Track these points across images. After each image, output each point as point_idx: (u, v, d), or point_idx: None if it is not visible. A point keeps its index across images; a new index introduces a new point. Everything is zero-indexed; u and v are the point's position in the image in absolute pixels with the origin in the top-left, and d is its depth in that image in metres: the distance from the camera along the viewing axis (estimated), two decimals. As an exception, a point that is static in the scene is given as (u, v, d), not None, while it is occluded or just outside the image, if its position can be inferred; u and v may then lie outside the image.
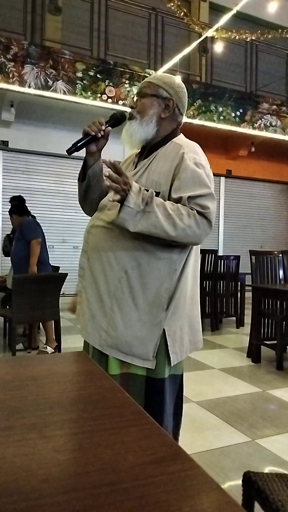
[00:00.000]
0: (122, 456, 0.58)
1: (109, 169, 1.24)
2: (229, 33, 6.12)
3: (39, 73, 5.66)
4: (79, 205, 1.62)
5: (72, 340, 4.18)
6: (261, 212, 8.99)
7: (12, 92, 5.66)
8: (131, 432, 0.66)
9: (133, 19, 7.11)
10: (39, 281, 3.50)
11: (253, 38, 6.41)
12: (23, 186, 6.63)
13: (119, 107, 6.01)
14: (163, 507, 0.47)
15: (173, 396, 1.48)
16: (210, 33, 6.21)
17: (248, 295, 4.68)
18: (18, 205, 4.09)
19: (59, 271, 4.23)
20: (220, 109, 7.05)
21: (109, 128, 1.46)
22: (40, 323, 4.15)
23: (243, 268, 5.66)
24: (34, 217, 4.32)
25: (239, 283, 5.42)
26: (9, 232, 4.80)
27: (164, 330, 1.36)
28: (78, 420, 0.71)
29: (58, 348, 3.73)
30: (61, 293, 3.63)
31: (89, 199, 1.55)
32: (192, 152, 1.40)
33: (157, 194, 1.36)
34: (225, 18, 5.82)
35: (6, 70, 5.49)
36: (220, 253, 8.07)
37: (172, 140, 1.47)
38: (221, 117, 7.06)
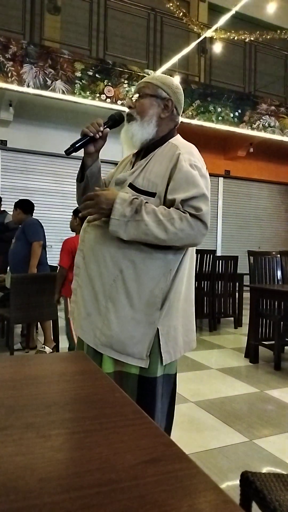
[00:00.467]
0: (120, 455, 0.58)
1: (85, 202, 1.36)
2: (228, 33, 6.13)
3: (38, 72, 5.65)
4: (77, 205, 1.62)
5: (70, 340, 4.17)
6: (259, 213, 9.01)
7: (11, 91, 5.66)
8: (129, 432, 0.66)
9: (132, 19, 7.11)
10: (37, 281, 3.49)
11: (252, 38, 6.42)
12: (22, 185, 6.62)
13: (117, 107, 6.01)
14: (161, 506, 0.47)
15: (167, 395, 1.48)
16: (209, 33, 6.22)
17: (246, 295, 4.69)
18: (26, 202, 4.02)
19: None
20: (219, 109, 7.06)
21: (107, 129, 1.46)
22: (38, 323, 4.14)
23: (241, 269, 5.66)
24: None
25: (237, 284, 5.42)
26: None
27: (157, 329, 1.36)
28: (77, 419, 0.71)
29: (56, 348, 3.73)
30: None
31: None
32: (188, 153, 1.40)
33: (154, 194, 1.36)
34: (224, 19, 5.83)
35: (5, 69, 5.48)
36: (218, 254, 8.09)
37: (169, 140, 1.48)
38: (220, 118, 7.07)
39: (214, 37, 6.22)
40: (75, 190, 1.60)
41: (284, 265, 4.22)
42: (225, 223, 8.59)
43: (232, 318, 5.44)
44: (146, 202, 1.33)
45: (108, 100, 6.11)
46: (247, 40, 6.61)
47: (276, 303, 3.95)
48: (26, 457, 0.57)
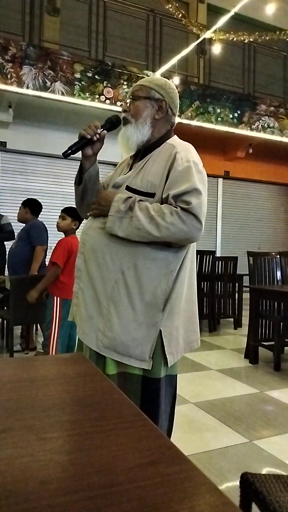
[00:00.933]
0: (120, 457, 0.58)
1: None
2: (227, 34, 6.13)
3: (37, 74, 5.66)
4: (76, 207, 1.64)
5: (69, 341, 4.16)
6: (259, 213, 9.01)
7: (10, 93, 5.66)
8: (129, 434, 0.66)
9: (131, 20, 7.11)
10: (37, 283, 3.49)
11: (251, 39, 6.42)
12: (21, 187, 6.62)
13: (117, 108, 6.01)
14: (161, 509, 0.47)
15: (169, 396, 1.49)
16: (208, 34, 6.22)
17: (246, 296, 4.69)
18: (36, 203, 3.96)
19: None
20: (218, 110, 7.06)
21: (105, 131, 1.47)
22: (38, 324, 4.14)
23: (240, 269, 5.66)
24: None
25: (236, 284, 5.43)
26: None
27: (160, 331, 1.36)
28: (76, 421, 0.71)
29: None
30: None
31: (86, 202, 1.56)
32: (185, 150, 1.42)
33: (152, 195, 1.37)
34: (223, 20, 5.83)
35: (4, 71, 5.48)
36: (218, 254, 8.09)
37: (167, 141, 1.49)
38: (219, 119, 7.08)
39: (213, 38, 6.23)
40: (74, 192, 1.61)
41: (283, 265, 4.23)
42: (225, 224, 8.59)
43: (232, 319, 5.44)
44: (141, 200, 1.35)
45: (108, 101, 6.11)
46: (246, 41, 6.62)
47: (275, 304, 3.95)
48: (25, 460, 0.57)
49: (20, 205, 4.03)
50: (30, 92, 5.63)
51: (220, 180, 8.50)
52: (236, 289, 5.43)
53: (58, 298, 2.95)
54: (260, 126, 7.44)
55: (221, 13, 6.64)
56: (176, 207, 1.29)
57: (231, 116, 7.18)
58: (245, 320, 4.69)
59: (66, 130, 6.55)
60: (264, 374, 3.48)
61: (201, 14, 8.30)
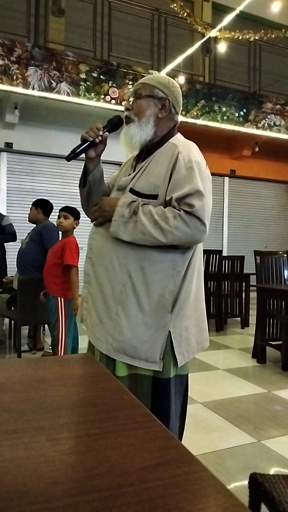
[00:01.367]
0: (130, 458, 0.58)
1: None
2: (232, 33, 6.11)
3: (42, 75, 5.68)
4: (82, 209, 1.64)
5: (77, 341, 4.18)
6: (266, 212, 8.97)
7: (16, 94, 5.69)
8: (138, 435, 0.66)
9: (136, 20, 7.11)
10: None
11: (256, 38, 6.38)
12: (28, 187, 6.65)
13: (122, 108, 6.01)
14: (170, 510, 0.48)
15: (180, 396, 1.49)
16: (213, 33, 6.20)
17: (253, 295, 4.67)
18: (48, 203, 3.94)
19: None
20: (224, 109, 7.04)
21: (107, 133, 1.46)
22: (45, 324, 4.15)
23: (247, 269, 5.64)
24: None
25: (243, 284, 5.41)
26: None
27: (169, 332, 1.36)
28: (85, 422, 0.71)
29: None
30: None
31: (91, 204, 1.56)
32: (187, 150, 1.40)
33: (155, 196, 1.36)
34: (228, 18, 5.81)
35: (10, 72, 5.51)
36: (225, 254, 8.06)
37: (169, 140, 1.47)
38: (225, 117, 7.05)
39: (219, 37, 6.20)
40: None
41: (291, 264, 4.20)
42: (231, 223, 8.56)
43: (239, 318, 5.42)
44: (145, 204, 1.35)
45: (113, 101, 6.12)
46: (251, 39, 6.58)
47: (283, 303, 3.92)
48: (36, 461, 0.58)
49: (28, 205, 4.02)
50: (36, 93, 5.66)
51: (226, 179, 8.48)
52: (243, 289, 5.41)
53: (62, 299, 2.93)
54: (266, 124, 7.41)
55: (226, 11, 6.62)
56: (179, 210, 1.29)
57: (237, 114, 7.15)
58: (252, 320, 4.67)
59: (72, 130, 6.57)
60: (272, 373, 3.46)
61: (206, 12, 8.28)
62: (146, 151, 1.49)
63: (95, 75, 6.01)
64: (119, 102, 6.14)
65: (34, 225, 3.95)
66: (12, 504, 0.48)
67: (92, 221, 1.48)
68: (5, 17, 6.40)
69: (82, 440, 0.64)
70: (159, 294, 1.35)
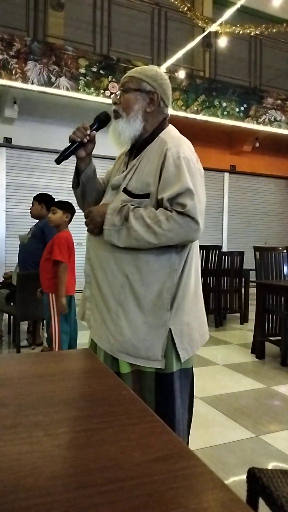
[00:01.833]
0: (128, 453, 0.59)
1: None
2: (233, 27, 6.07)
3: (42, 69, 5.65)
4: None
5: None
6: (266, 208, 8.96)
7: (15, 88, 5.66)
8: (136, 430, 0.66)
9: (136, 14, 7.06)
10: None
11: (257, 32, 6.34)
12: (26, 183, 6.63)
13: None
14: (168, 504, 0.48)
15: (186, 389, 1.50)
16: (213, 27, 6.16)
17: (252, 291, 4.67)
18: (50, 198, 3.84)
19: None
20: (224, 104, 7.01)
21: (94, 132, 1.45)
22: (44, 320, 4.15)
23: (247, 264, 5.64)
24: None
25: (243, 279, 5.41)
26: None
27: (170, 329, 1.37)
28: (84, 417, 0.71)
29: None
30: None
31: (87, 203, 1.56)
32: (176, 146, 1.36)
33: (148, 195, 1.35)
34: (228, 13, 5.77)
35: (9, 66, 5.48)
36: (224, 249, 8.06)
37: (159, 135, 1.44)
38: (225, 112, 7.02)
39: (219, 31, 6.16)
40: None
41: (290, 260, 4.20)
42: (231, 218, 8.55)
43: (238, 314, 5.43)
44: (136, 207, 1.34)
45: (113, 96, 6.09)
46: (252, 34, 6.53)
47: (282, 299, 3.93)
48: (34, 456, 0.58)
49: (27, 201, 4.00)
50: (35, 87, 5.63)
51: (226, 174, 8.46)
52: (243, 284, 5.41)
53: (53, 295, 2.90)
54: (266, 119, 7.38)
55: (226, 5, 6.57)
56: (171, 211, 1.28)
57: (237, 109, 7.13)
58: (252, 315, 4.67)
59: (71, 125, 6.52)
60: (270, 369, 3.47)
61: (206, 7, 8.21)
62: (138, 147, 1.47)
63: (94, 69, 5.98)
64: (118, 97, 6.11)
65: (35, 221, 3.94)
66: (11, 499, 0.48)
67: (88, 232, 1.46)
68: (4, 11, 6.35)
69: (80, 435, 0.64)
70: (157, 293, 1.35)
